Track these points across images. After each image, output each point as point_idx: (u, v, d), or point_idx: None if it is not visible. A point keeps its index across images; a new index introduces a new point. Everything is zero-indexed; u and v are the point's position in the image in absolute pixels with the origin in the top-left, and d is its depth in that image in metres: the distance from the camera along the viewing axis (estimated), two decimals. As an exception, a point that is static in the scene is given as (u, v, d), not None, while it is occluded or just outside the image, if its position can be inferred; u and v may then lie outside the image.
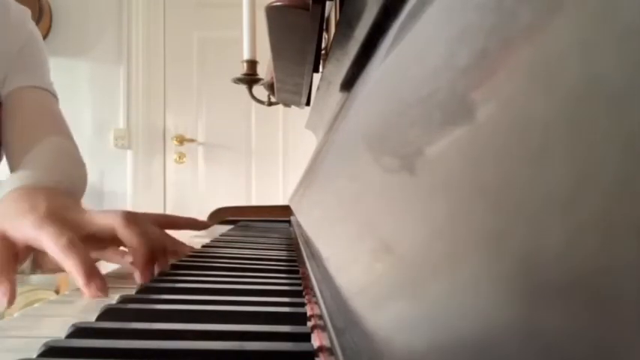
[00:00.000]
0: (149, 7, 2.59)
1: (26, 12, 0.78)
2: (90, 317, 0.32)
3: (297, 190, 0.83)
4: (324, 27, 0.63)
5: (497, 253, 0.10)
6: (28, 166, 0.61)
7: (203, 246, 0.69)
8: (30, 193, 0.54)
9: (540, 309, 0.08)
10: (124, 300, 0.36)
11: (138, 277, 0.49)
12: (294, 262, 0.55)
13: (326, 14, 0.63)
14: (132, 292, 0.39)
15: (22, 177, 0.57)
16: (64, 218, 0.50)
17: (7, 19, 0.73)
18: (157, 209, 2.44)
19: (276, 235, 0.81)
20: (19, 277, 2.12)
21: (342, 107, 0.49)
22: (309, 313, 0.32)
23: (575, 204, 0.08)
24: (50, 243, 0.46)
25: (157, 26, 2.61)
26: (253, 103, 1.28)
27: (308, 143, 1.32)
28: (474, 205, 0.12)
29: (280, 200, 2.41)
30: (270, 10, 0.53)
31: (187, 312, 0.33)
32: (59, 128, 0.72)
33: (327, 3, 0.56)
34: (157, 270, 0.51)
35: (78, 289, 0.46)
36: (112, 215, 0.51)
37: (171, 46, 2.62)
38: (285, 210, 1.03)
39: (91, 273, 0.44)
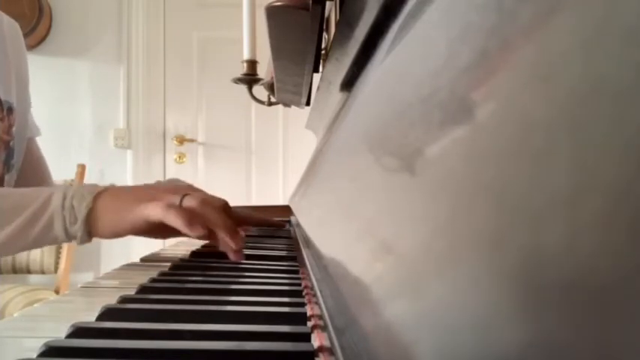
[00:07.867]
0: (149, 7, 2.59)
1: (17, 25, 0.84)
2: (90, 317, 0.32)
3: (297, 190, 0.83)
4: (324, 27, 0.63)
5: (496, 253, 0.10)
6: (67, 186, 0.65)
7: (203, 246, 0.69)
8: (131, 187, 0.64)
9: (540, 308, 0.08)
10: (124, 300, 0.35)
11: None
12: (294, 261, 0.55)
13: (326, 14, 0.63)
14: (132, 292, 0.39)
15: (87, 186, 0.61)
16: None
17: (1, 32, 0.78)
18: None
19: (276, 235, 0.81)
20: (19, 277, 2.08)
21: (342, 107, 0.49)
22: (309, 313, 0.32)
23: (576, 204, 0.08)
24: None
25: (157, 26, 2.60)
26: (253, 103, 1.28)
27: (308, 143, 1.32)
28: (474, 205, 0.12)
29: (280, 200, 2.41)
30: (270, 10, 0.53)
31: (187, 312, 0.33)
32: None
33: (327, 3, 0.56)
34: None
35: (78, 289, 0.46)
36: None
37: (171, 46, 2.61)
38: (285, 210, 1.03)
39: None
